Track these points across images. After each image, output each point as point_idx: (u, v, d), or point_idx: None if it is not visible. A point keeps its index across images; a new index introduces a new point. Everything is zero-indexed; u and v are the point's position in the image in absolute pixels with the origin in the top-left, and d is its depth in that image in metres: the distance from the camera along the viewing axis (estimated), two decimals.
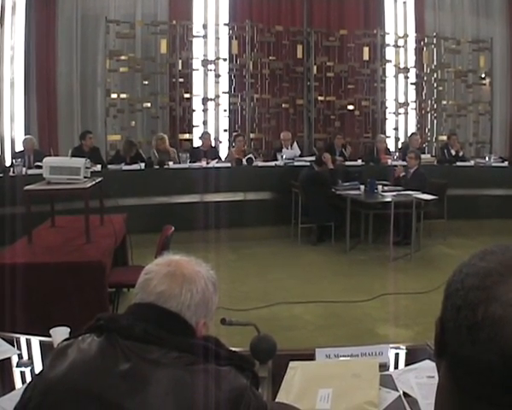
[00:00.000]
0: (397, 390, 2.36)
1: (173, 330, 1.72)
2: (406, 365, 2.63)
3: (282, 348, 2.52)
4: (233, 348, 2.83)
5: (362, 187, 10.07)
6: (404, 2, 14.13)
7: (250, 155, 11.32)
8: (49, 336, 2.83)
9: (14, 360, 2.82)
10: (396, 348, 2.86)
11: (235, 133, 12.70)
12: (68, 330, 2.72)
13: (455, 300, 0.95)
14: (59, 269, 5.15)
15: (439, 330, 1.01)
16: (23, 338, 3.04)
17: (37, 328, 3.11)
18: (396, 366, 2.65)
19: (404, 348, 2.91)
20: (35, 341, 3.02)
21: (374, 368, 2.36)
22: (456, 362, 0.95)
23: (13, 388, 2.56)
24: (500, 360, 0.87)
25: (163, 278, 1.79)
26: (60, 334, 2.68)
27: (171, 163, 10.78)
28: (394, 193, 9.81)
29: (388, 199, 9.52)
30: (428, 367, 2.53)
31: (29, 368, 2.72)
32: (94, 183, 6.20)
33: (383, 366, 2.55)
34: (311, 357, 2.61)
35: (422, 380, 2.43)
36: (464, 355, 0.92)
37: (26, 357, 2.84)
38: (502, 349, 0.87)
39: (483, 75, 14.29)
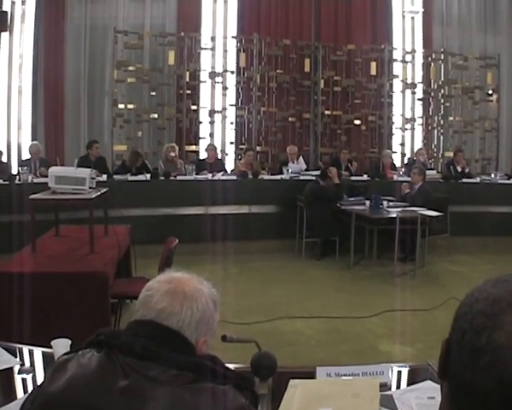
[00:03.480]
0: None
1: (173, 348, 1.72)
2: (407, 385, 2.62)
3: (282, 365, 2.51)
4: (233, 365, 2.85)
5: (367, 202, 10.05)
6: (412, 18, 14.15)
7: (256, 169, 11.31)
8: (51, 346, 2.83)
9: (16, 367, 2.82)
10: (397, 367, 2.85)
11: (245, 146, 12.70)
12: (69, 342, 2.72)
13: (462, 323, 0.96)
14: (62, 279, 5.16)
15: (444, 351, 1.02)
16: (25, 349, 3.04)
17: (39, 338, 3.10)
18: (397, 386, 2.64)
19: (405, 367, 2.90)
20: (37, 351, 3.02)
21: (374, 388, 2.34)
22: (457, 385, 0.96)
23: (14, 395, 2.56)
24: (498, 387, 0.87)
25: (164, 295, 1.79)
26: (61, 346, 2.68)
27: (175, 174, 10.77)
28: (399, 209, 9.78)
29: (393, 215, 9.49)
30: (429, 388, 2.53)
31: (30, 375, 2.73)
32: (99, 193, 6.21)
33: (384, 386, 2.54)
34: (311, 375, 2.61)
35: (423, 401, 2.42)
36: (465, 379, 0.92)
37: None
38: (501, 376, 0.87)
39: (490, 92, 14.28)
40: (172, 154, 11.23)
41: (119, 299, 5.69)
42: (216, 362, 1.78)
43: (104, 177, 9.85)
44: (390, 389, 2.58)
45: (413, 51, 14.08)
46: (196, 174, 10.89)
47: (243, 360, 2.62)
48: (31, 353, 3.01)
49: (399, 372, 2.80)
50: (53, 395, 1.67)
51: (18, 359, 2.91)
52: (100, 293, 5.12)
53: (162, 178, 10.53)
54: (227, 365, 2.80)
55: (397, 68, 13.98)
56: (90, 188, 6.12)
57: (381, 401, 2.32)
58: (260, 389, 2.35)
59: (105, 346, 1.73)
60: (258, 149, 13.14)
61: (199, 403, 1.63)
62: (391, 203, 10.11)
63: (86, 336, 1.82)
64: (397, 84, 14.05)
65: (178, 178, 10.70)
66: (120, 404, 1.61)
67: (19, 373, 2.77)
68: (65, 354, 1.84)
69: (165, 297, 1.79)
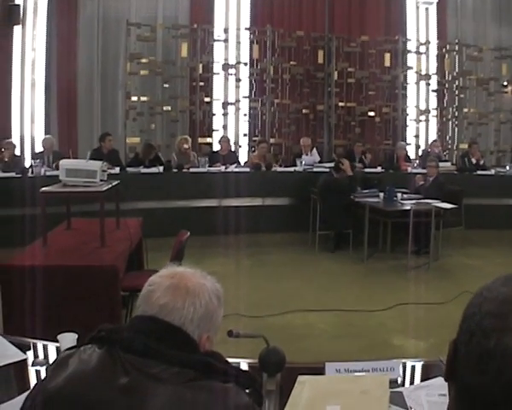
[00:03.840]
0: (406, 409, 2.31)
1: (175, 345, 1.68)
2: (418, 381, 2.57)
3: (291, 360, 2.47)
4: (241, 360, 2.81)
5: (381, 194, 9.97)
6: (427, 9, 14.05)
7: (269, 161, 11.28)
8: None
9: (30, 359, 2.83)
10: (408, 363, 2.80)
11: (258, 138, 12.67)
12: (76, 336, 2.70)
13: (470, 324, 0.92)
14: (72, 272, 5.15)
15: (452, 353, 0.97)
16: (39, 343, 3.02)
17: (50, 331, 3.08)
18: (408, 383, 2.59)
19: (416, 363, 2.86)
20: (45, 345, 2.99)
21: (384, 385, 2.29)
22: (464, 389, 0.92)
23: (27, 387, 2.52)
24: (505, 395, 0.83)
25: (166, 290, 1.75)
26: (67, 340, 2.67)
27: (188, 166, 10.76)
28: (413, 201, 9.71)
29: (407, 207, 9.42)
30: (440, 385, 2.47)
31: (44, 367, 2.71)
32: (110, 186, 6.19)
33: (394, 382, 2.50)
34: (320, 371, 2.57)
35: (434, 398, 2.37)
36: (472, 384, 0.88)
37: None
38: (509, 384, 0.83)
39: (505, 83, 14.17)
40: (186, 146, 11.20)
41: (131, 292, 5.66)
42: (219, 359, 1.74)
43: (117, 169, 9.86)
44: (400, 385, 2.53)
45: (427, 42, 14.00)
46: (209, 166, 10.87)
47: (253, 354, 2.59)
48: (44, 347, 2.99)
49: (410, 368, 2.76)
50: (53, 391, 1.64)
51: (25, 353, 2.88)
52: (110, 286, 5.10)
53: (175, 170, 10.52)
54: (234, 360, 2.79)
55: (411, 60, 13.91)
56: (102, 181, 6.10)
57: (391, 399, 2.27)
58: (268, 385, 2.31)
59: (106, 342, 1.70)
60: (271, 141, 13.12)
61: (200, 401, 1.59)
62: (405, 196, 10.02)
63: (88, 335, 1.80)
64: (411, 76, 13.99)
65: (191, 170, 10.69)
66: (120, 402, 1.58)
67: (33, 365, 2.78)
68: (67, 349, 1.81)
69: (168, 292, 1.75)
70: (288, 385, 2.36)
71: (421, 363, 2.87)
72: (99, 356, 1.68)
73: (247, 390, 1.71)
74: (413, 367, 2.79)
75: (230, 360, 2.72)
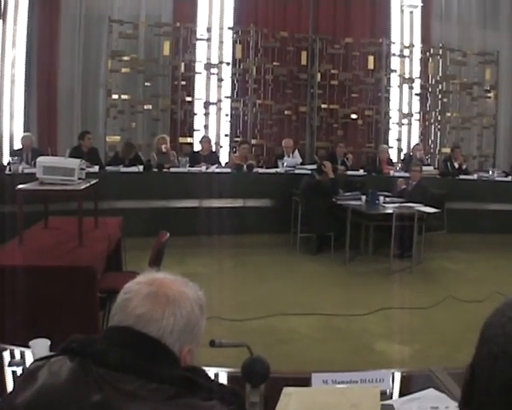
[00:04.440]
0: None
1: (153, 359, 1.53)
2: (409, 393, 2.45)
3: (276, 369, 2.35)
4: (223, 369, 2.69)
5: (363, 197, 9.92)
6: (411, 12, 13.99)
7: (251, 162, 11.20)
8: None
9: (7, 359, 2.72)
10: (398, 373, 2.69)
11: (239, 139, 12.62)
12: (48, 342, 2.56)
13: (492, 347, 0.79)
14: (48, 273, 4.98)
15: (469, 378, 0.84)
16: (16, 349, 2.88)
17: (23, 335, 2.94)
18: (397, 394, 2.47)
19: (406, 373, 2.75)
20: (17, 351, 2.85)
21: (375, 398, 2.18)
22: None
23: (4, 388, 2.43)
24: None
25: (144, 299, 1.59)
26: (39, 347, 2.53)
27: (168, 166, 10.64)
28: (396, 205, 9.67)
29: (390, 211, 9.39)
30: (432, 397, 2.38)
31: (21, 367, 2.59)
32: (88, 184, 6.05)
33: (384, 394, 2.38)
34: (306, 381, 2.44)
35: None
36: None
37: None
38: None
39: (488, 88, 14.15)
40: (164, 146, 11.09)
41: (109, 293, 5.52)
42: (201, 374, 1.59)
43: (96, 168, 9.71)
44: (390, 397, 2.41)
45: (411, 46, 13.96)
46: (190, 167, 10.75)
47: (235, 361, 2.47)
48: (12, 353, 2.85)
49: (400, 379, 2.64)
50: (21, 406, 1.50)
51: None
52: (87, 287, 4.94)
53: (155, 170, 10.39)
54: (215, 369, 2.66)
55: (395, 63, 13.86)
56: (80, 179, 5.96)
57: None
58: (252, 396, 2.20)
59: (78, 354, 1.55)
60: (253, 141, 13.02)
61: None
62: (387, 199, 10.01)
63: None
64: (394, 79, 13.93)
65: (172, 170, 10.58)
66: None
67: (9, 366, 2.68)
68: (36, 360, 1.67)
69: (146, 301, 1.59)
70: (273, 396, 2.25)
71: (411, 373, 2.76)
72: (70, 370, 1.53)
73: (231, 408, 1.56)
74: (403, 378, 2.68)
75: (212, 369, 2.62)
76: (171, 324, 1.58)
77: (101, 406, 1.44)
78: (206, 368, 2.53)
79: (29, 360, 2.72)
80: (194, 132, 13.02)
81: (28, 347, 2.72)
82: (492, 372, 0.77)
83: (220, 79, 13.02)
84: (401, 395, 2.44)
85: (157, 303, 1.59)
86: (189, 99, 12.88)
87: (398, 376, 2.63)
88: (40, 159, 6.11)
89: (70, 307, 4.87)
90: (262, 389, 2.24)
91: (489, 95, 14.19)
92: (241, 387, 2.23)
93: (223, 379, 2.63)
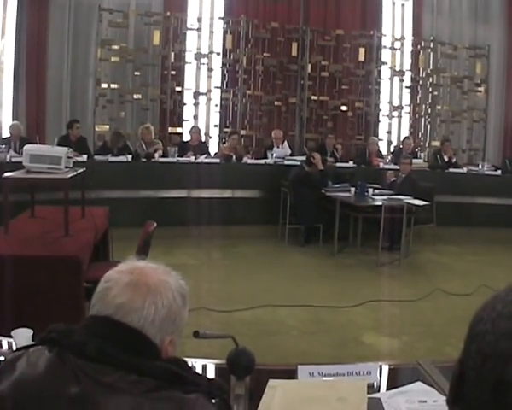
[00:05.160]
0: None
1: (133, 350, 1.48)
2: (396, 386, 2.42)
3: (260, 358, 2.31)
4: (208, 361, 2.65)
5: (352, 189, 9.90)
6: (403, 5, 13.99)
7: (240, 153, 11.17)
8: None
9: None
10: (385, 366, 2.66)
11: (229, 130, 12.60)
12: (31, 332, 2.50)
13: (481, 345, 0.75)
14: (33, 262, 4.92)
15: (457, 376, 0.81)
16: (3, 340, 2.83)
17: (8, 325, 2.88)
18: (385, 387, 2.44)
19: (393, 366, 2.72)
20: (5, 342, 2.81)
21: (362, 391, 2.14)
22: None
23: None
24: None
25: (124, 287, 1.55)
26: (21, 336, 2.48)
27: (157, 155, 10.57)
28: (385, 197, 9.66)
29: (379, 203, 9.37)
30: (420, 390, 2.35)
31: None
32: (75, 173, 5.99)
33: (371, 387, 2.35)
34: (292, 374, 2.41)
35: (413, 405, 2.23)
36: None
37: None
38: None
39: (478, 82, 14.15)
40: (148, 136, 11.04)
41: (95, 284, 5.47)
42: (183, 366, 1.55)
43: (84, 157, 9.65)
44: (378, 390, 2.38)
45: (402, 39, 13.94)
46: (179, 157, 10.70)
47: (221, 352, 2.44)
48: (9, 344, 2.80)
49: (387, 372, 2.61)
50: None
51: None
52: (73, 278, 4.88)
53: (144, 159, 10.33)
54: (199, 360, 2.62)
55: (385, 55, 13.82)
56: (67, 167, 5.90)
57: (369, 405, 2.11)
58: (237, 388, 2.16)
59: (57, 344, 1.51)
60: (242, 132, 12.97)
61: None
62: (376, 191, 10.00)
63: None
64: (385, 72, 13.90)
65: (160, 160, 10.53)
66: None
67: None
68: (16, 350, 1.63)
69: (126, 290, 1.54)
70: (258, 389, 2.21)
71: (399, 366, 2.73)
72: (48, 360, 1.48)
73: (214, 400, 1.52)
74: (390, 371, 2.65)
75: (197, 360, 2.58)
76: (151, 313, 1.53)
77: (79, 398, 1.40)
78: (190, 359, 2.51)
79: (13, 348, 2.68)
80: (184, 122, 12.95)
81: (10, 336, 2.68)
82: (482, 372, 0.74)
83: (210, 70, 12.97)
84: (388, 388, 2.41)
85: (137, 292, 1.55)
86: (178, 89, 12.82)
87: (385, 369, 2.61)
88: (27, 147, 6.04)
89: (55, 297, 4.81)
90: (247, 382, 2.21)
91: (479, 89, 14.19)
92: (227, 379, 2.19)
93: (208, 371, 2.59)
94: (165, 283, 1.60)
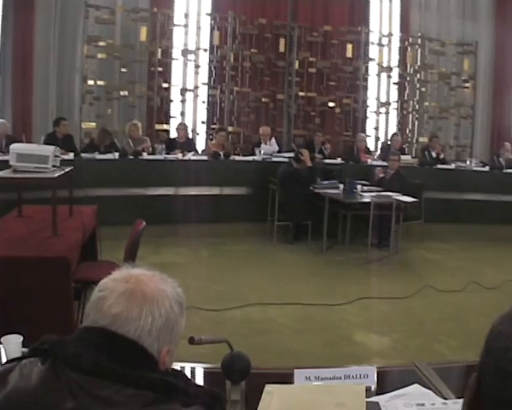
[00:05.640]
0: None
1: (130, 362, 1.43)
2: (393, 389, 2.39)
3: (252, 356, 2.27)
4: (202, 365, 2.61)
5: (341, 186, 9.87)
6: (390, 1, 14.00)
7: (228, 149, 11.13)
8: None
9: None
10: (382, 369, 2.62)
11: (216, 126, 12.56)
12: (21, 338, 2.44)
13: (502, 362, 0.71)
14: (21, 264, 4.82)
15: (475, 391, 0.77)
16: None
17: None
18: (383, 391, 2.40)
19: (390, 368, 2.69)
20: None
21: (360, 396, 2.09)
22: None
23: None
24: None
25: (119, 297, 1.49)
26: (11, 343, 2.41)
27: (144, 153, 10.51)
28: (374, 194, 9.64)
29: (367, 200, 9.36)
30: (418, 393, 2.33)
31: None
32: (63, 172, 5.91)
33: (368, 390, 2.31)
34: (288, 378, 2.36)
35: (412, 409, 2.20)
36: None
37: None
38: None
39: (466, 78, 14.16)
40: (136, 133, 10.98)
41: (84, 284, 5.41)
42: (181, 378, 1.51)
43: (71, 155, 9.56)
44: (375, 393, 2.34)
45: (390, 35, 13.94)
46: (166, 154, 10.65)
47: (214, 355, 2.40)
48: None
49: (384, 374, 2.57)
50: None
51: None
52: (62, 279, 4.80)
53: (131, 157, 10.26)
54: (193, 365, 2.58)
55: (373, 51, 13.82)
56: (54, 166, 5.82)
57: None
58: (232, 394, 2.12)
59: (50, 356, 1.45)
60: (230, 129, 12.93)
61: None
62: (365, 188, 9.96)
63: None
64: (373, 68, 13.89)
65: (148, 157, 10.45)
66: None
67: None
68: (7, 361, 1.57)
69: (122, 300, 1.49)
70: (254, 393, 2.17)
71: (395, 368, 2.70)
72: (41, 373, 1.43)
73: None
74: (387, 373, 2.62)
75: (190, 364, 2.54)
76: (149, 323, 1.49)
77: None
78: (184, 364, 2.46)
79: (2, 356, 2.61)
80: (171, 119, 12.90)
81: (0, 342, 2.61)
82: (503, 392, 0.70)
83: (197, 66, 12.91)
84: (386, 391, 2.38)
85: (134, 302, 1.49)
86: (165, 85, 12.76)
87: (382, 371, 2.57)
88: (13, 146, 5.96)
89: (44, 299, 4.73)
90: (243, 386, 2.17)
91: (467, 85, 14.22)
92: (221, 384, 2.16)
93: (202, 376, 2.55)
94: (162, 291, 1.56)
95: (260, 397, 2.10)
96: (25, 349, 2.38)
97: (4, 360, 2.42)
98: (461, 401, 2.25)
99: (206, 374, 2.55)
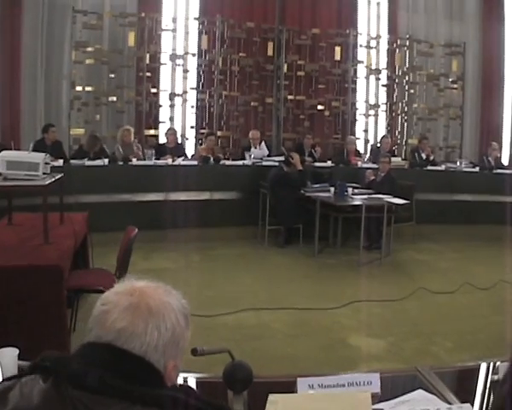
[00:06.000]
0: None
1: (136, 379, 1.39)
2: (397, 395, 2.35)
3: (258, 374, 2.23)
4: (203, 375, 2.56)
5: (332, 189, 9.84)
6: (378, 4, 13.99)
7: (218, 154, 11.09)
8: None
9: None
10: (385, 375, 2.58)
11: (206, 131, 12.48)
12: (17, 351, 2.37)
13: None
14: (12, 273, 4.75)
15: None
16: None
17: None
18: (386, 397, 2.36)
19: (392, 374, 2.65)
20: None
21: (366, 403, 2.05)
22: None
23: None
24: None
25: (124, 311, 1.45)
26: (7, 356, 2.35)
27: (134, 159, 10.45)
28: (365, 196, 9.63)
29: (359, 202, 9.34)
30: (422, 399, 2.30)
31: None
32: (53, 179, 5.84)
33: (372, 397, 2.27)
34: (291, 386, 2.32)
35: None
36: None
37: None
38: None
39: (454, 79, 14.18)
40: (129, 138, 10.93)
41: (76, 292, 5.35)
42: (189, 394, 1.46)
43: (60, 162, 9.51)
44: (379, 400, 2.30)
45: (378, 37, 13.93)
46: (156, 159, 10.60)
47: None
48: None
49: (387, 380, 2.53)
50: None
51: None
52: (54, 287, 4.73)
53: (121, 163, 10.21)
54: (195, 375, 2.53)
55: (361, 54, 13.81)
56: (44, 173, 5.75)
57: None
58: (235, 404, 2.08)
59: (52, 374, 1.40)
60: (219, 133, 12.89)
61: None
62: (356, 190, 9.96)
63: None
64: (361, 70, 13.88)
65: (138, 163, 10.43)
66: None
67: None
68: (6, 379, 1.51)
69: (126, 314, 1.44)
70: (257, 403, 2.13)
71: (398, 374, 2.67)
72: (43, 392, 1.37)
73: None
74: (390, 379, 2.58)
75: (191, 374, 2.49)
76: (155, 338, 1.44)
77: None
78: (187, 374, 2.42)
79: None
80: (160, 124, 12.84)
81: None
82: None
83: (186, 71, 12.86)
84: (389, 397, 2.34)
85: (139, 316, 1.45)
86: (154, 91, 12.70)
87: (384, 377, 2.52)
88: (3, 153, 5.89)
89: (37, 308, 4.65)
90: (245, 396, 2.13)
91: (455, 86, 14.23)
92: (223, 394, 2.12)
93: (204, 386, 2.50)
94: (168, 304, 1.51)
95: (263, 407, 2.06)
96: (21, 362, 2.33)
97: (0, 372, 2.36)
98: (466, 405, 2.23)
99: (208, 384, 2.51)
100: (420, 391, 2.36)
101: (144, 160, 10.62)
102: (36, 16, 11.92)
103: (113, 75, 12.34)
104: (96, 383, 1.35)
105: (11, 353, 2.37)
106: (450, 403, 2.28)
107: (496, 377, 2.50)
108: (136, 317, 1.44)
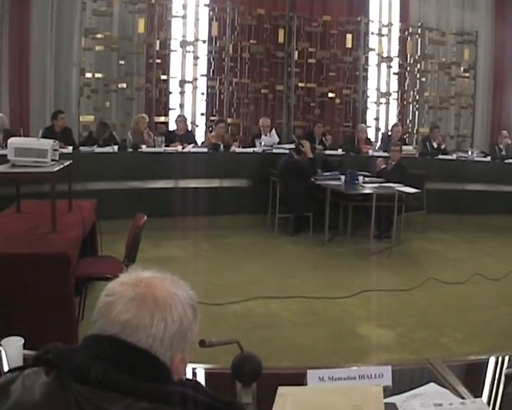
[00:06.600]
0: None
1: (142, 373, 1.34)
2: (408, 388, 2.30)
3: (267, 365, 2.19)
4: (211, 366, 2.52)
5: (342, 177, 9.77)
6: None
7: (228, 141, 11.05)
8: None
9: None
10: (396, 367, 2.53)
11: (216, 118, 12.43)
12: (22, 341, 2.33)
13: None
14: (20, 261, 4.71)
15: None
16: None
17: None
18: (397, 390, 2.31)
19: (404, 367, 2.60)
20: None
21: (378, 397, 2.00)
22: None
23: None
24: None
25: (129, 302, 1.39)
26: (12, 345, 2.31)
27: (144, 147, 10.41)
28: (375, 185, 9.55)
29: (369, 191, 9.26)
30: (434, 392, 2.25)
31: None
32: (62, 166, 5.80)
33: (384, 391, 2.22)
34: (301, 378, 2.28)
35: (430, 409, 2.11)
36: None
37: None
38: None
39: (466, 68, 14.08)
40: (144, 126, 10.90)
41: (84, 280, 5.31)
42: (198, 389, 1.41)
43: (70, 149, 9.48)
44: (391, 394, 2.25)
45: (390, 25, 13.84)
46: (166, 146, 10.55)
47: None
48: None
49: (398, 373, 2.48)
50: None
51: None
52: (62, 275, 4.68)
53: (130, 150, 10.17)
54: (203, 366, 2.49)
55: (373, 41, 13.73)
56: (53, 160, 5.71)
57: None
58: (244, 396, 2.04)
59: (55, 367, 1.36)
60: (229, 120, 12.85)
61: None
62: (366, 179, 9.88)
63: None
64: (372, 58, 13.80)
65: (147, 150, 10.37)
66: None
67: None
68: (8, 371, 1.46)
69: (132, 305, 1.39)
70: (266, 395, 2.08)
71: (410, 367, 2.62)
72: (46, 386, 1.33)
73: None
74: (401, 372, 2.52)
75: (199, 365, 2.45)
76: (161, 331, 1.39)
77: None
78: (195, 365, 2.38)
79: (2, 359, 2.51)
80: (170, 111, 12.81)
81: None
82: None
83: (196, 57, 12.81)
84: (401, 390, 2.29)
85: (145, 307, 1.40)
86: (164, 77, 12.65)
87: (396, 369, 2.48)
88: (12, 140, 5.86)
89: (44, 296, 4.62)
90: (254, 388, 2.09)
91: (467, 75, 14.15)
92: (232, 386, 2.08)
93: (212, 378, 2.46)
94: (175, 295, 1.46)
95: (272, 399, 2.01)
96: (26, 352, 2.30)
97: (5, 362, 2.33)
98: (478, 400, 2.18)
99: (216, 375, 2.47)
100: (432, 384, 2.32)
101: (154, 147, 10.56)
102: (46, 3, 11.87)
103: (122, 62, 12.29)
104: (100, 377, 1.31)
105: (16, 342, 2.34)
106: (462, 397, 2.23)
107: (508, 370, 2.46)
108: (141, 309, 1.39)
